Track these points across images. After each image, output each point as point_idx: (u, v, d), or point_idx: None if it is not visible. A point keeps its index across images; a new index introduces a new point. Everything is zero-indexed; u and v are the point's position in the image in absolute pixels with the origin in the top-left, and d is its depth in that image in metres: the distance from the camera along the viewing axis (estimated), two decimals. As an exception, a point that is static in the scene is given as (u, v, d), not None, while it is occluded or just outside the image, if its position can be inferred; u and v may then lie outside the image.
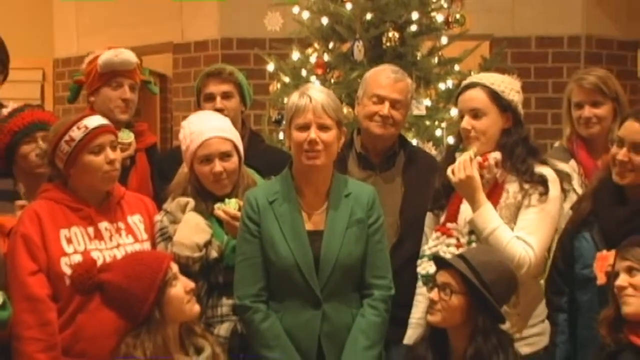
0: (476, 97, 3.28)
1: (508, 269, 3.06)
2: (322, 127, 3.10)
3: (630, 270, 2.94)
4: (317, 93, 3.15)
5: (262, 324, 3.12)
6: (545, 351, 3.28)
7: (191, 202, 3.34)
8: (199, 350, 3.06)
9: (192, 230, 3.26)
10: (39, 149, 3.52)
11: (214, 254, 3.26)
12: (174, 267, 3.02)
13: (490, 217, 3.17)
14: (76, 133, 3.23)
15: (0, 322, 2.99)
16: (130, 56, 3.89)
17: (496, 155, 3.22)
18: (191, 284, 3.00)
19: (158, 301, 2.97)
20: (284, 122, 3.52)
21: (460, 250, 3.17)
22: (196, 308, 3.02)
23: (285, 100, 4.69)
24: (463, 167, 3.18)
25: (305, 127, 3.09)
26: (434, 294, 2.98)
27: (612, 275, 2.99)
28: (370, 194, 3.24)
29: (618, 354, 2.96)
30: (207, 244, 3.27)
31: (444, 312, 2.99)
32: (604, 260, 3.11)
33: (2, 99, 3.95)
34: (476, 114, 3.27)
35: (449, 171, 3.21)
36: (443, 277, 3.00)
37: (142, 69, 4.04)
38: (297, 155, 3.15)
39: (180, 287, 3.00)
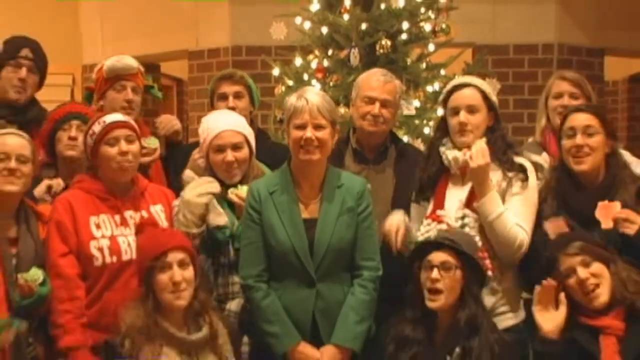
0: (472, 95, 3.29)
1: (475, 242, 3.10)
2: (317, 127, 3.11)
3: (585, 264, 2.93)
4: (313, 95, 3.15)
5: (263, 301, 3.13)
6: (524, 324, 3.25)
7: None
8: (200, 329, 3.03)
9: (196, 189, 3.30)
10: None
11: (218, 220, 3.25)
12: (177, 257, 2.96)
13: (497, 203, 3.17)
14: (96, 127, 3.28)
15: (41, 296, 3.03)
16: (131, 61, 3.88)
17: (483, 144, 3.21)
18: (177, 278, 2.92)
19: (148, 279, 2.97)
20: (286, 121, 3.50)
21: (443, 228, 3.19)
22: (178, 302, 2.95)
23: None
24: (482, 154, 3.15)
25: (302, 127, 3.10)
26: (436, 274, 2.96)
27: (562, 278, 2.97)
28: (361, 185, 3.25)
29: (573, 332, 2.97)
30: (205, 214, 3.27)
31: (446, 292, 2.97)
32: (607, 209, 3.08)
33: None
34: (472, 109, 3.27)
35: (466, 157, 3.17)
36: (439, 257, 2.98)
37: (145, 74, 4.01)
38: (295, 151, 3.15)
39: (168, 276, 2.94)
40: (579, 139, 3.21)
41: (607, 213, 3.08)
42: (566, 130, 3.26)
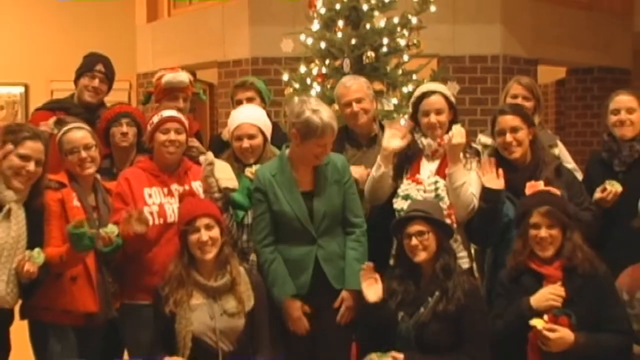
0: (439, 101, 3.28)
1: (440, 207, 3.10)
2: (329, 144, 3.10)
3: (548, 225, 2.89)
4: (334, 125, 3.10)
5: (270, 266, 3.11)
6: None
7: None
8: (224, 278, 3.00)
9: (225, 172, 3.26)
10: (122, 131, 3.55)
11: (228, 183, 3.21)
12: (203, 221, 2.93)
13: (463, 173, 3.19)
14: (155, 118, 3.26)
15: (118, 245, 3.01)
16: (184, 77, 3.86)
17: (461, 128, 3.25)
18: (204, 238, 2.91)
19: (183, 239, 2.96)
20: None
21: (425, 193, 3.20)
22: (205, 257, 2.93)
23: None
24: (460, 135, 3.17)
25: (323, 146, 3.06)
26: (415, 241, 2.94)
27: (529, 227, 2.93)
28: (342, 160, 3.24)
29: (520, 277, 2.94)
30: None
31: (424, 250, 2.95)
32: (534, 187, 3.07)
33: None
34: (439, 111, 3.27)
35: (447, 136, 3.19)
36: (415, 228, 2.96)
37: (194, 84, 3.99)
38: (309, 156, 3.10)
39: (197, 237, 2.92)
40: (508, 137, 3.23)
41: (534, 189, 3.07)
42: (497, 131, 3.27)
